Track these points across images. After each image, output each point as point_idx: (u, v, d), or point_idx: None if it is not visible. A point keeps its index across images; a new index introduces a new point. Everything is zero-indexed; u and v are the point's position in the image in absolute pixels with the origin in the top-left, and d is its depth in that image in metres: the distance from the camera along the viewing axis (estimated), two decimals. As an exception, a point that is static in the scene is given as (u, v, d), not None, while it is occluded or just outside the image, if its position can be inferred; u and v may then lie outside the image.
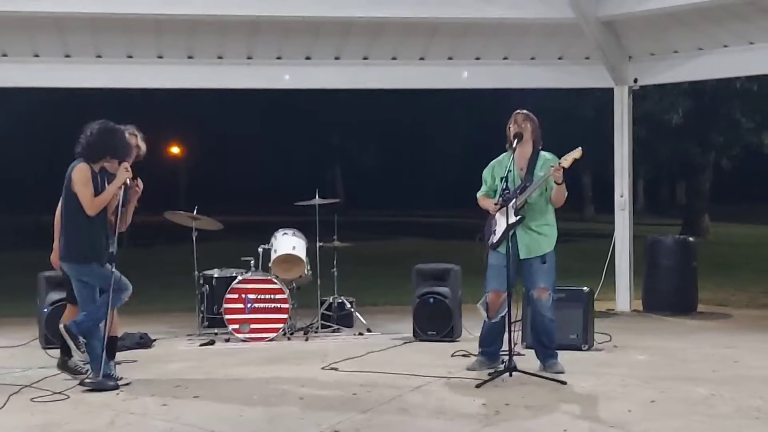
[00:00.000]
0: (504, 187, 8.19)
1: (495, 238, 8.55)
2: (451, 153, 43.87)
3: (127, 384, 8.07)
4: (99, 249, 8.03)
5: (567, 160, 8.31)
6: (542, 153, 8.59)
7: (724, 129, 28.38)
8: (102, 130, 8.09)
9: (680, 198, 48.16)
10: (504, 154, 8.69)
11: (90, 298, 8.06)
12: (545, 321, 8.59)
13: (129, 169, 8.13)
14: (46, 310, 10.09)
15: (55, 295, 10.06)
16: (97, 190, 8.00)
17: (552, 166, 8.28)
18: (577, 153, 8.29)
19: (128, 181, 8.13)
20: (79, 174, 7.96)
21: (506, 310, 8.32)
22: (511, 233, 8.29)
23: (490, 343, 8.69)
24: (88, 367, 8.16)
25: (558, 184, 8.33)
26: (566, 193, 8.46)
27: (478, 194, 8.83)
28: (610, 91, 13.14)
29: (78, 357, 8.24)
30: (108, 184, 8.08)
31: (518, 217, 8.33)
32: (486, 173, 8.79)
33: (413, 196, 49.83)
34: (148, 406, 7.36)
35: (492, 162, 8.79)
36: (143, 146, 8.63)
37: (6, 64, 12.05)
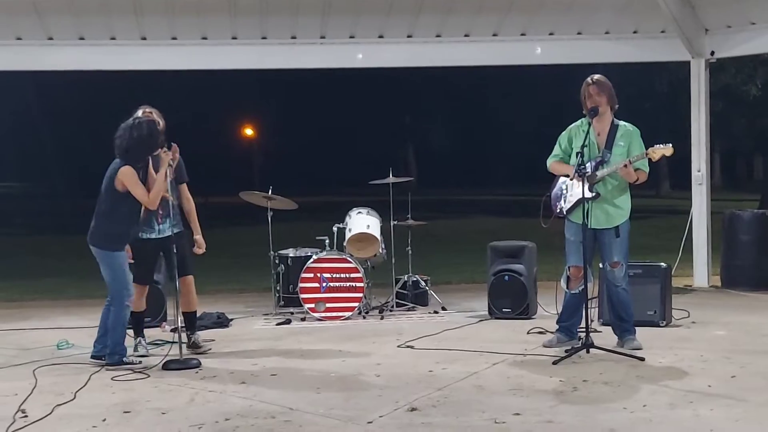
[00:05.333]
0: (580, 162, 8.09)
1: (566, 206, 8.47)
2: (522, 130, 43.61)
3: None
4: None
5: (656, 153, 8.15)
6: (621, 124, 8.44)
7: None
8: (134, 132, 8.20)
9: (758, 172, 47.46)
10: (583, 119, 8.52)
11: None
12: (619, 291, 8.52)
13: (168, 151, 8.27)
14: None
15: (134, 276, 10.18)
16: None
17: (645, 153, 8.17)
18: (668, 150, 8.12)
19: (171, 162, 8.29)
20: (127, 177, 8.14)
21: (585, 283, 8.28)
22: (586, 207, 8.18)
23: (569, 316, 8.64)
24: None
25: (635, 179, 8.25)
26: (640, 176, 8.35)
27: (550, 160, 8.68)
28: (686, 65, 12.96)
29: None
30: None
31: (594, 194, 8.23)
32: (562, 137, 8.62)
33: (485, 175, 49.69)
34: (227, 384, 7.43)
35: (570, 126, 8.61)
36: (162, 122, 8.58)
37: (83, 48, 12.22)
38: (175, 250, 8.29)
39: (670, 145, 8.11)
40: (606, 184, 8.34)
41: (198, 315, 9.16)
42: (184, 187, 8.94)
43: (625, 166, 8.17)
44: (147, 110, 8.58)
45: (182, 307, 8.65)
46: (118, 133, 8.21)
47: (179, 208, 8.78)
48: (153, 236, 8.60)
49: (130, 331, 8.78)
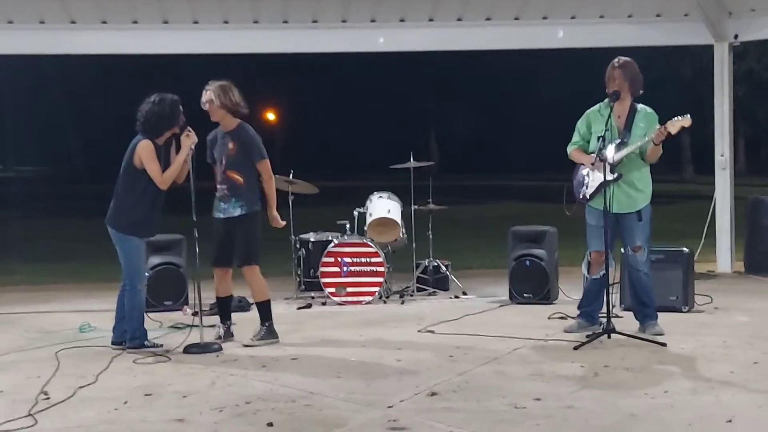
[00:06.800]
0: (602, 146, 8.05)
1: (588, 192, 8.42)
2: (544, 115, 43.50)
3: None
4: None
5: (674, 126, 8.03)
6: (641, 108, 8.37)
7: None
8: (154, 106, 8.20)
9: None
10: (600, 103, 8.47)
11: None
12: (641, 276, 8.46)
13: (190, 134, 8.22)
14: (147, 274, 10.19)
15: (156, 259, 10.21)
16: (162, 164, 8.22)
17: (658, 128, 8.08)
18: (686, 121, 8.00)
19: (193, 147, 8.24)
20: (144, 152, 8.11)
21: (607, 268, 8.23)
22: (608, 192, 8.12)
23: (590, 302, 8.60)
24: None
25: (655, 144, 8.15)
26: (661, 152, 8.27)
27: (570, 147, 8.61)
28: (710, 49, 12.88)
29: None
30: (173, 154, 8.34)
31: (615, 175, 8.18)
32: (580, 123, 8.56)
33: (506, 160, 49.58)
34: (248, 368, 7.46)
35: (588, 111, 8.55)
36: (219, 100, 8.49)
37: (105, 31, 12.23)
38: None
39: (688, 115, 8.00)
40: (623, 163, 8.29)
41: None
42: (261, 165, 8.76)
43: (653, 141, 8.07)
44: (209, 88, 8.48)
45: (252, 297, 8.84)
46: (140, 106, 8.25)
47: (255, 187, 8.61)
48: (219, 216, 8.49)
49: (150, 314, 8.82)
